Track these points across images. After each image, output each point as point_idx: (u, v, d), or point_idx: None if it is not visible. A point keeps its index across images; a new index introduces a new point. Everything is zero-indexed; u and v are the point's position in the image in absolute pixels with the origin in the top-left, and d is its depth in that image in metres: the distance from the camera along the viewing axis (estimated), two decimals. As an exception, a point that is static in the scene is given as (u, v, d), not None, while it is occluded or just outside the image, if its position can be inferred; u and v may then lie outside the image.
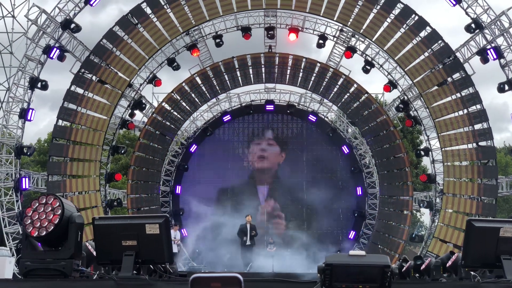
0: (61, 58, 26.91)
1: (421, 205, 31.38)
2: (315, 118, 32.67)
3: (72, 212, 6.41)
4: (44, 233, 6.17)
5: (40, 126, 74.31)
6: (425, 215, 47.86)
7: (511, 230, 6.15)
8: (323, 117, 33.29)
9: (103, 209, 28.00)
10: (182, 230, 30.97)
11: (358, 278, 3.82)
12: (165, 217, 6.35)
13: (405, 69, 28.14)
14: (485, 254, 6.34)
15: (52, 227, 6.17)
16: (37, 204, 6.31)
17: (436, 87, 27.95)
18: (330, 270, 3.82)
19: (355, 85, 30.30)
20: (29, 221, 6.26)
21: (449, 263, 9.46)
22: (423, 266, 10.98)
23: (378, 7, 27.46)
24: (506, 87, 26.41)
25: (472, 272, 6.82)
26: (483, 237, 6.31)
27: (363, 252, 3.93)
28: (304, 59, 30.47)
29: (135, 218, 6.85)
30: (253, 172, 33.09)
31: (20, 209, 25.85)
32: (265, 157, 33.15)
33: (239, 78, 31.25)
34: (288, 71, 30.91)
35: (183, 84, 30.58)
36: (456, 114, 27.76)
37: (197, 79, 30.74)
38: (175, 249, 23.31)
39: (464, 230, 6.54)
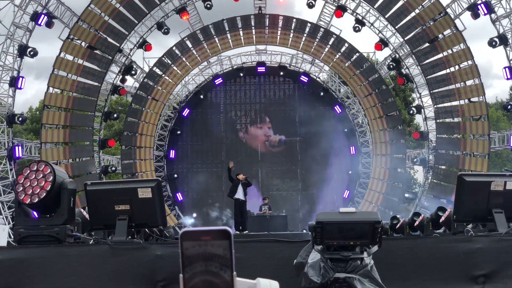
0: (49, 24, 26.59)
1: (415, 161, 31.51)
2: (307, 78, 32.55)
3: (64, 178, 6.40)
4: (36, 200, 6.17)
5: (27, 94, 73.72)
6: (418, 172, 48.05)
7: (502, 184, 6.17)
8: (315, 77, 33.18)
9: (98, 176, 28.03)
10: (177, 194, 31.06)
11: (349, 234, 3.84)
12: (157, 181, 6.36)
13: (396, 27, 27.98)
14: (477, 208, 6.37)
15: (44, 194, 6.17)
16: (29, 171, 6.29)
17: (427, 44, 27.82)
18: (321, 227, 3.83)
19: (346, 44, 30.10)
20: (21, 188, 6.25)
21: (443, 218, 9.53)
22: (416, 223, 11.08)
23: (368, -36, 27.21)
24: (498, 42, 26.24)
25: (466, 227, 6.86)
26: (474, 191, 6.33)
27: (353, 209, 3.94)
28: (294, 20, 30.22)
29: (127, 182, 6.86)
30: (246, 134, 33.08)
31: (14, 177, 25.84)
32: (258, 119, 33.13)
33: (230, 40, 30.99)
34: (279, 32, 30.67)
35: (173, 48, 30.34)
36: (448, 70, 27.68)
37: (187, 42, 30.48)
38: None
39: (455, 185, 6.56)
